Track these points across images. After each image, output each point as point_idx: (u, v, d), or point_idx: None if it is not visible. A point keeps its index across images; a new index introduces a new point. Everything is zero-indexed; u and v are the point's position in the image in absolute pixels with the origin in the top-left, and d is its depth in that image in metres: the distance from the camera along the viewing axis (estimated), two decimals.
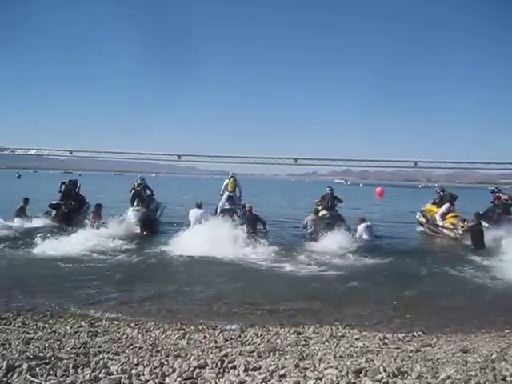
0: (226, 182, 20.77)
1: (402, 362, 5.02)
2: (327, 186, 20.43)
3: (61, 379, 4.21)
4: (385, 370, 4.45)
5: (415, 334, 7.11)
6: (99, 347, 5.59)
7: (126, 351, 5.42)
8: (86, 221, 17.59)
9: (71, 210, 19.31)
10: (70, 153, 21.10)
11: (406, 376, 4.34)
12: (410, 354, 5.56)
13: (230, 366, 4.65)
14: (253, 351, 5.51)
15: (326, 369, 4.58)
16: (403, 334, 7.02)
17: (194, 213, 18.12)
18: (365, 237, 17.21)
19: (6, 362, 4.52)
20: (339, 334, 6.93)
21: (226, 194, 20.25)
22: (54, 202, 19.52)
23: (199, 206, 18.47)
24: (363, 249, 15.43)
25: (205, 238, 15.13)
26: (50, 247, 13.54)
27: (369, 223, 17.89)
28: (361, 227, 17.47)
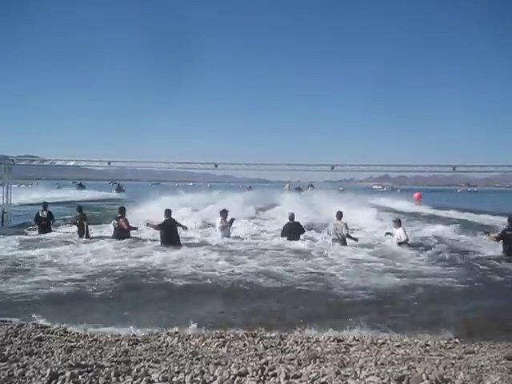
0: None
1: (444, 369, 4.94)
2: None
3: None
4: (427, 378, 4.39)
5: (457, 340, 6.98)
6: (140, 355, 5.63)
7: (167, 359, 5.44)
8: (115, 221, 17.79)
9: None
10: (109, 163, 21.30)
11: None
12: (453, 361, 5.47)
13: (270, 373, 4.64)
14: (293, 359, 5.48)
15: (367, 376, 4.53)
16: (445, 341, 6.91)
17: (220, 221, 18.24)
18: (403, 238, 16.50)
19: (49, 370, 4.58)
20: (380, 341, 6.85)
21: None
22: None
23: (223, 214, 18.39)
24: (401, 254, 15.33)
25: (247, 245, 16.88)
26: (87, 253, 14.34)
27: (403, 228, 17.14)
28: (399, 231, 16.68)
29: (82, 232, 18.01)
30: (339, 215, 17.01)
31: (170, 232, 16.65)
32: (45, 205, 19.66)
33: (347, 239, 16.65)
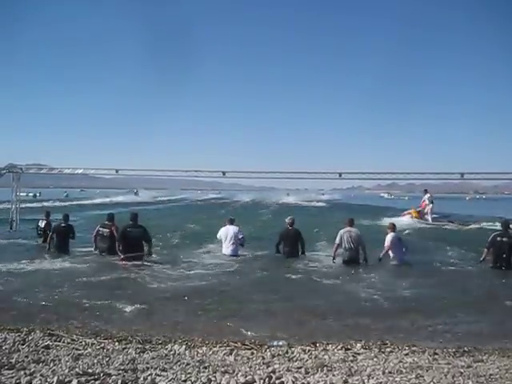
0: None
1: (453, 378, 4.92)
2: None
3: None
4: None
5: (466, 348, 6.93)
6: (147, 363, 5.62)
7: (174, 367, 5.43)
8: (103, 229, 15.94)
9: None
10: (116, 171, 21.26)
11: None
12: (462, 370, 5.44)
13: (277, 382, 4.63)
14: (300, 367, 5.46)
15: None
16: (454, 349, 6.85)
17: (226, 230, 16.20)
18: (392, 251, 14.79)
19: (56, 378, 4.60)
20: (388, 349, 6.81)
21: None
22: None
23: (232, 222, 16.51)
24: (405, 261, 14.98)
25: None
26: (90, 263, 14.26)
27: (397, 235, 15.27)
28: (389, 236, 14.98)
29: (57, 243, 16.35)
30: (351, 222, 15.40)
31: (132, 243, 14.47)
32: (47, 214, 18.87)
33: (360, 251, 14.81)
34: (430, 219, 29.79)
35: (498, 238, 13.99)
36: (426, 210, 30.88)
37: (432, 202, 31.31)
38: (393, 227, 15.41)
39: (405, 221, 29.74)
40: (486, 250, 14.26)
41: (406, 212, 32.47)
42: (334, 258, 14.93)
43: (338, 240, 14.88)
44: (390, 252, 14.84)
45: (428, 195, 31.38)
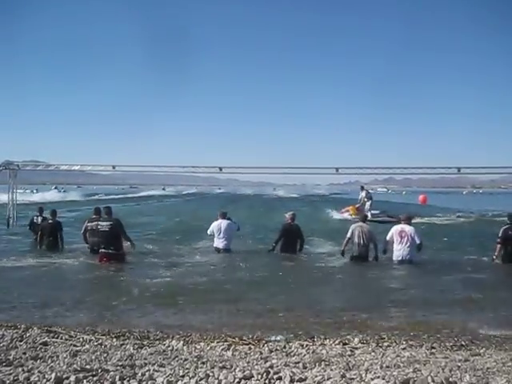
0: None
1: (450, 371, 4.92)
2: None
3: None
4: (433, 381, 4.38)
5: (463, 343, 6.95)
6: (145, 359, 5.61)
7: (172, 363, 5.43)
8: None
9: None
10: (113, 167, 21.19)
11: None
12: (459, 364, 5.45)
13: (275, 377, 4.63)
14: (298, 362, 5.46)
15: (372, 379, 4.52)
16: (451, 344, 6.86)
17: (218, 224, 15.81)
18: (418, 240, 13.65)
19: (54, 374, 4.59)
20: (385, 343, 6.82)
21: None
22: None
23: (225, 216, 16.13)
24: (409, 258, 14.04)
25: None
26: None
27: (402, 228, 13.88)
28: (392, 229, 14.13)
29: (46, 241, 16.05)
30: (364, 217, 15.32)
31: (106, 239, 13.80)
32: (40, 210, 18.10)
33: (370, 248, 14.24)
34: (369, 215, 29.36)
35: (510, 232, 13.56)
36: (366, 207, 30.44)
37: (371, 199, 30.99)
38: (406, 219, 14.30)
39: (343, 218, 29.85)
40: (499, 245, 13.68)
41: (344, 209, 32.34)
42: (343, 253, 14.46)
43: (349, 234, 14.33)
44: (393, 246, 13.99)
45: (365, 192, 31.12)
